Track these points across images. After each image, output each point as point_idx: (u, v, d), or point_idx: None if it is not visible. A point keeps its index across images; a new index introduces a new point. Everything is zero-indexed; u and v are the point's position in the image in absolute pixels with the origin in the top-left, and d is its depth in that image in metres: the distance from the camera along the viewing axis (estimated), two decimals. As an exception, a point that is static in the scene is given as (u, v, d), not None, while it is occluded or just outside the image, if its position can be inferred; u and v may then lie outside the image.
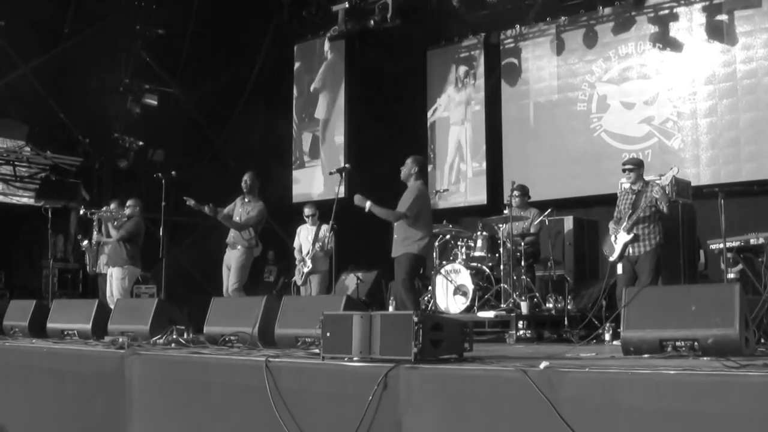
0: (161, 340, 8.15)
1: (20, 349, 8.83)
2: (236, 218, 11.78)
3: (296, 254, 13.20)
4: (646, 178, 10.31)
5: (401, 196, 10.03)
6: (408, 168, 10.13)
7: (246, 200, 11.93)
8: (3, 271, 17.81)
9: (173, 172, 12.26)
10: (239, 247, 11.69)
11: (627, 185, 10.35)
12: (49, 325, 9.82)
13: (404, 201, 9.97)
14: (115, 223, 13.01)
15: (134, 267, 12.77)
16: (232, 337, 7.70)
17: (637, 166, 10.17)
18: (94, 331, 9.24)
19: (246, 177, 12.00)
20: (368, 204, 9.93)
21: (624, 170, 10.23)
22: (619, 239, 9.95)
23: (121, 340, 8.09)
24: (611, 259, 10.12)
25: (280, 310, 7.56)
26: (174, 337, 8.14)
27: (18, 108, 16.49)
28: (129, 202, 13.19)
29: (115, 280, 12.57)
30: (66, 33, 16.28)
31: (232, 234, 11.82)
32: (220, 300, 8.43)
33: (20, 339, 9.73)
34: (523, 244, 11.73)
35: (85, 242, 13.90)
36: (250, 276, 11.99)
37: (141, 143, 18.03)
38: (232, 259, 11.69)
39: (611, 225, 10.21)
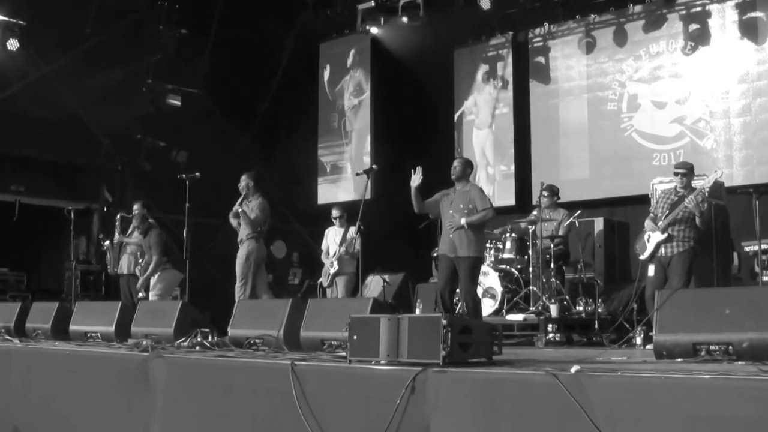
0: (185, 343, 8.15)
1: (43, 352, 8.86)
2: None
3: (323, 257, 13.21)
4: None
5: (467, 197, 10.06)
6: (462, 168, 10.22)
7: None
8: (25, 273, 17.92)
9: (197, 174, 12.32)
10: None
11: (662, 187, 10.27)
12: (72, 327, 9.85)
13: (481, 200, 10.04)
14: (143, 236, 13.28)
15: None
16: (257, 340, 7.71)
17: (689, 171, 9.98)
18: (118, 333, 9.25)
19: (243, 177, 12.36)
20: (464, 221, 9.97)
21: (675, 173, 10.07)
22: (652, 238, 9.85)
23: (144, 342, 8.10)
24: (642, 257, 10.01)
25: (305, 313, 7.56)
26: (198, 339, 8.15)
27: (39, 108, 16.55)
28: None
29: None
30: (88, 33, 16.34)
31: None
32: (245, 302, 8.46)
33: (43, 341, 9.75)
34: (552, 246, 11.71)
35: (107, 242, 13.94)
36: (276, 279, 12.04)
37: (164, 144, 18.09)
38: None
39: (648, 222, 10.08)
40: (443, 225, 10.23)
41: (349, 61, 19.02)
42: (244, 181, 12.28)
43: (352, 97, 18.96)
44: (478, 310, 9.98)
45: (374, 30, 17.68)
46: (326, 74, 19.60)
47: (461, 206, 9.98)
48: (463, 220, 9.89)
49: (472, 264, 9.92)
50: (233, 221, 12.25)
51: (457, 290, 10.17)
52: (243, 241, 12.06)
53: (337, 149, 19.20)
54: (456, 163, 10.35)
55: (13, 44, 15.72)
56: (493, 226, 12.54)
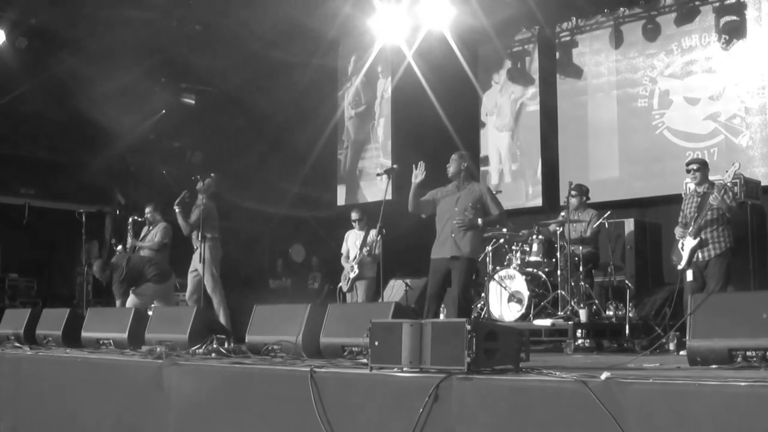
0: (201, 350, 8.17)
1: (54, 359, 8.89)
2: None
3: (343, 260, 13.21)
4: (711, 178, 10.21)
5: (476, 196, 10.06)
6: (458, 164, 10.16)
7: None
8: (35, 279, 17.99)
9: (212, 175, 12.34)
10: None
11: (692, 186, 10.25)
12: (84, 334, 9.87)
13: (496, 204, 10.13)
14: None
15: None
16: (275, 347, 7.70)
17: (702, 166, 10.08)
18: (131, 340, 9.26)
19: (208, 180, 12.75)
20: (480, 221, 9.99)
21: (688, 170, 10.12)
22: (686, 245, 9.84)
23: (158, 349, 8.11)
24: (680, 267, 9.97)
25: (325, 318, 7.56)
26: (214, 346, 8.16)
27: (49, 109, 16.62)
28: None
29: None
30: (101, 30, 16.38)
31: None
32: (262, 308, 8.42)
33: (54, 349, 9.78)
34: (581, 248, 11.66)
35: (119, 247, 13.97)
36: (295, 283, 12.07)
37: (178, 145, 18.13)
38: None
39: (678, 230, 10.09)
40: (440, 224, 10.15)
41: (368, 60, 18.95)
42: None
43: (372, 99, 18.93)
44: (470, 311, 10.18)
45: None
46: (346, 74, 19.57)
47: (470, 205, 9.94)
48: (479, 220, 9.89)
49: (471, 265, 10.06)
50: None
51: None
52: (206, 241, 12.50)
53: (354, 159, 19.18)
54: (453, 158, 10.30)
55: (22, 43, 15.79)
56: (520, 227, 12.52)
